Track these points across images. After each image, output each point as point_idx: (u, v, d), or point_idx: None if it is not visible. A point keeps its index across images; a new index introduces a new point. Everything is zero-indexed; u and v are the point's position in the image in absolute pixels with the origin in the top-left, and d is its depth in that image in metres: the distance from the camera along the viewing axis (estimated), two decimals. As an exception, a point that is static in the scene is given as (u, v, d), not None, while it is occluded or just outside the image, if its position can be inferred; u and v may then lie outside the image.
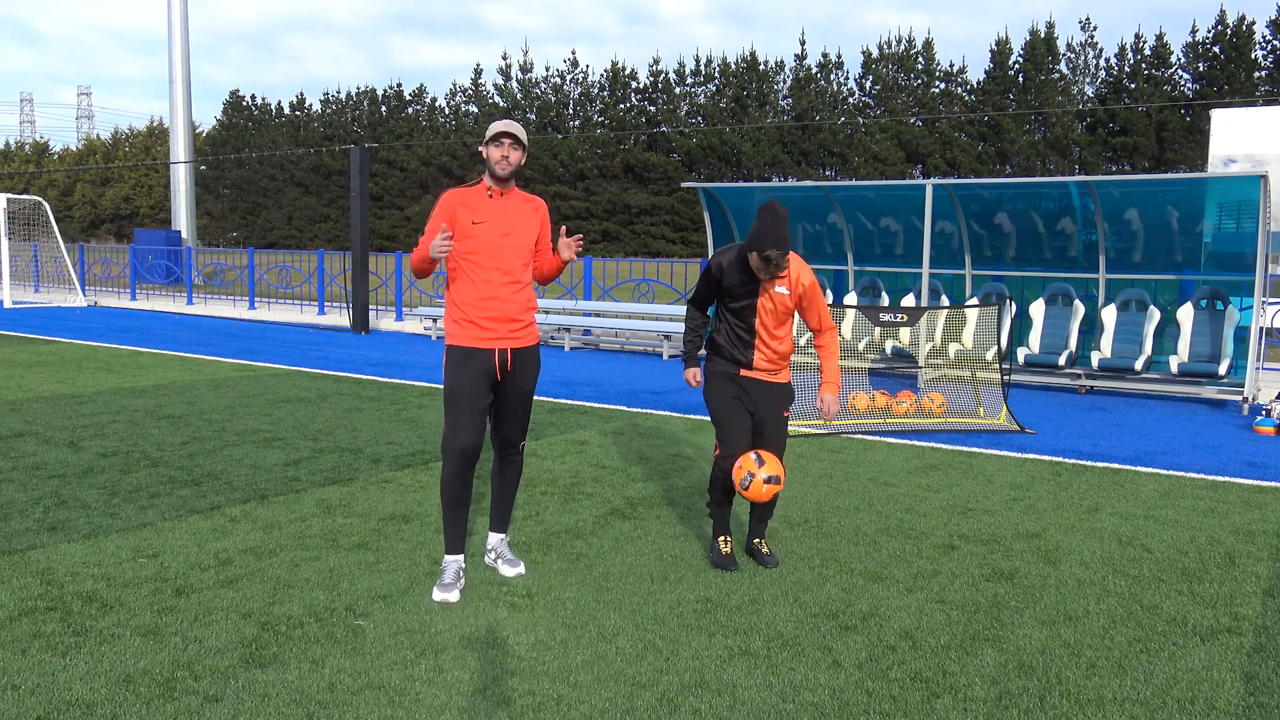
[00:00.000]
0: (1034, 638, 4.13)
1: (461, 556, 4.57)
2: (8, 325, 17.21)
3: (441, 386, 4.90)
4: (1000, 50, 52.57)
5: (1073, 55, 52.35)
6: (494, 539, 4.90)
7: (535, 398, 10.11)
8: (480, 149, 4.59)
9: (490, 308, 4.49)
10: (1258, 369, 10.79)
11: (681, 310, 14.40)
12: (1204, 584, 4.81)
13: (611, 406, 9.70)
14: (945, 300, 12.70)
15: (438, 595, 4.43)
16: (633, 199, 58.15)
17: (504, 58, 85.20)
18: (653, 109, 60.64)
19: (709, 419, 8.97)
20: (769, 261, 4.60)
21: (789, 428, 8.52)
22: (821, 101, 56.20)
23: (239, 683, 3.59)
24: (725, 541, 4.99)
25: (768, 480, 4.72)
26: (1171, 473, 7.22)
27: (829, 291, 13.65)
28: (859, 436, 8.38)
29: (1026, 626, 4.25)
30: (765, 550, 5.02)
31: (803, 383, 8.36)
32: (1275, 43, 46.70)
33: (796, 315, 4.99)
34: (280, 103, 76.61)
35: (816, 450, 7.78)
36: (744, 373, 4.94)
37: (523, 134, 4.52)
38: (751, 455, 4.79)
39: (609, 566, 4.93)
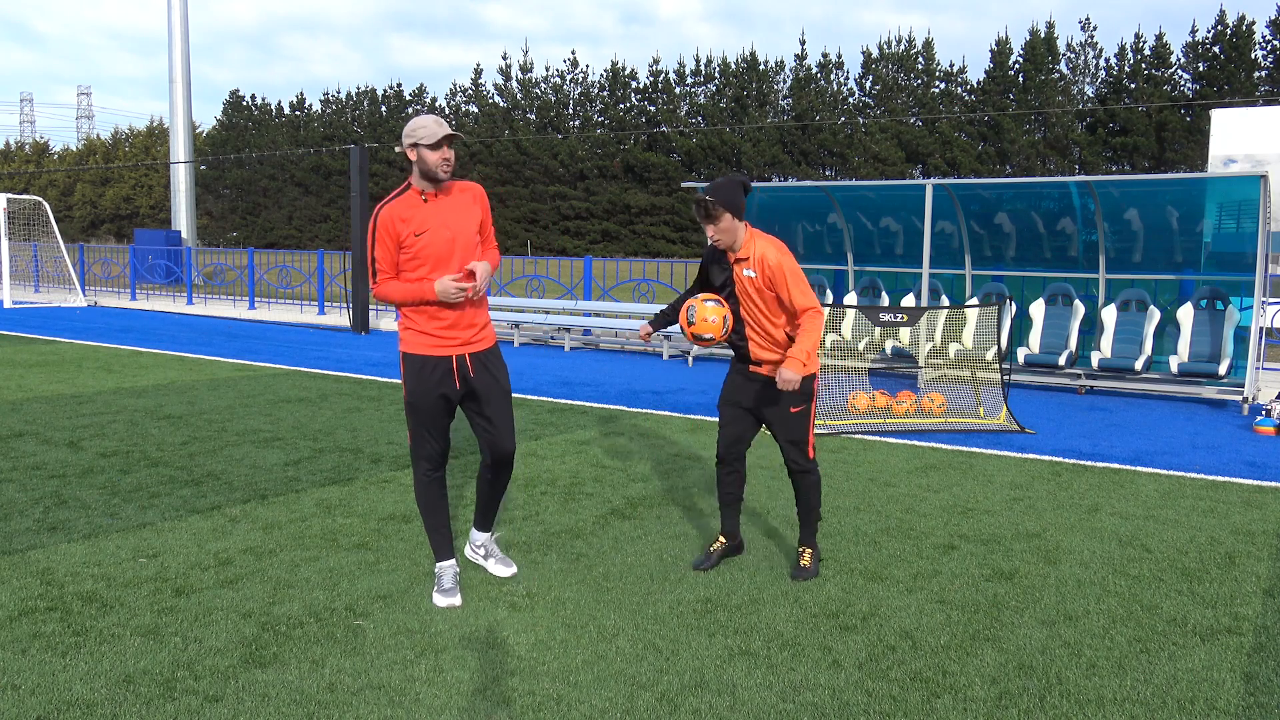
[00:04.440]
0: (1034, 638, 4.13)
1: (454, 560, 4.52)
2: (8, 325, 17.21)
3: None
4: (1000, 50, 52.55)
5: (1073, 55, 52.33)
6: (480, 536, 4.86)
7: (536, 398, 10.13)
8: (403, 150, 4.22)
9: (447, 317, 4.33)
10: (1258, 369, 10.79)
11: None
12: (1204, 584, 4.81)
13: (611, 406, 9.69)
14: (945, 300, 12.70)
15: (442, 602, 4.38)
16: (633, 199, 58.14)
17: (504, 58, 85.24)
18: (653, 109, 60.62)
19: (711, 419, 9.00)
20: (699, 206, 4.62)
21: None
22: (821, 101, 56.19)
23: (239, 683, 3.59)
24: (718, 541, 5.05)
25: (708, 319, 4.67)
26: (1171, 473, 7.21)
27: (829, 292, 13.66)
28: (859, 436, 8.38)
29: (1026, 626, 4.25)
30: (803, 563, 4.86)
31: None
32: (1275, 43, 46.68)
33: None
34: (280, 103, 76.55)
35: (816, 450, 7.77)
36: (752, 369, 4.88)
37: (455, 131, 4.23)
38: (709, 301, 4.72)
39: (609, 566, 4.93)
